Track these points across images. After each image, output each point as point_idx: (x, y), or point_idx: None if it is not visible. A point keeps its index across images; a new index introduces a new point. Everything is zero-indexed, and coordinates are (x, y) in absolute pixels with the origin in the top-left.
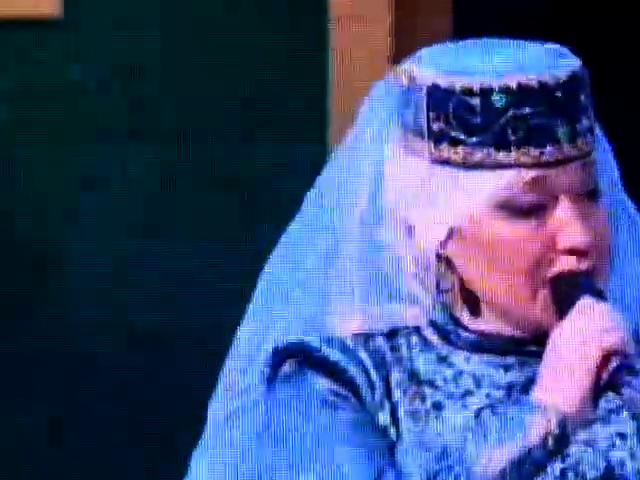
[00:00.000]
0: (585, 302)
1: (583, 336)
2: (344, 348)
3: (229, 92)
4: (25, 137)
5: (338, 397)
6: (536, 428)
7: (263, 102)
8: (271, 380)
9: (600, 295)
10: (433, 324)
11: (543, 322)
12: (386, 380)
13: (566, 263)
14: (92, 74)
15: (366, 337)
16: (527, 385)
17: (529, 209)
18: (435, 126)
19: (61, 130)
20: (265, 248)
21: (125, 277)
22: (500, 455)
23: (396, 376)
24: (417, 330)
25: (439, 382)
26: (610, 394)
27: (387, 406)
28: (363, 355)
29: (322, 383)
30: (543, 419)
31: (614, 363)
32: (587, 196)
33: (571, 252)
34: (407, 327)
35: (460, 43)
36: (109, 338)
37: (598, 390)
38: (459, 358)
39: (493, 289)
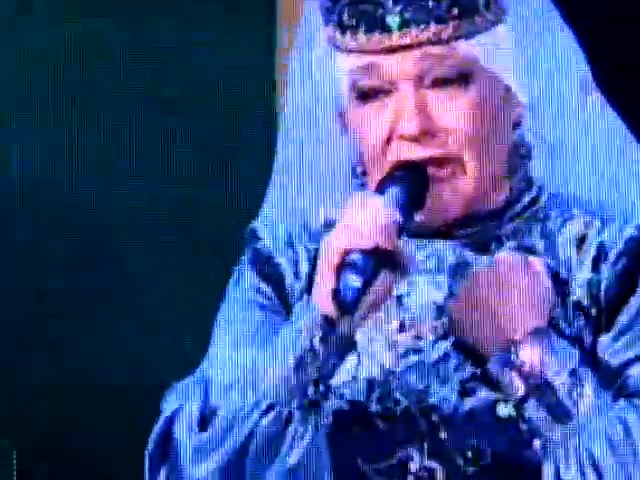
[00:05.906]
0: (353, 197)
1: (334, 235)
2: (286, 239)
3: None
4: None
5: (261, 295)
6: (304, 332)
7: None
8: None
9: (419, 187)
10: None
11: None
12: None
13: (397, 150)
14: None
15: (323, 227)
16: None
17: (371, 93)
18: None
19: None
20: None
21: None
22: (282, 363)
23: None
24: None
25: None
26: None
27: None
28: (300, 248)
29: (253, 280)
30: (307, 322)
31: (345, 261)
32: (445, 82)
33: (402, 139)
34: None
35: None
36: None
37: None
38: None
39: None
